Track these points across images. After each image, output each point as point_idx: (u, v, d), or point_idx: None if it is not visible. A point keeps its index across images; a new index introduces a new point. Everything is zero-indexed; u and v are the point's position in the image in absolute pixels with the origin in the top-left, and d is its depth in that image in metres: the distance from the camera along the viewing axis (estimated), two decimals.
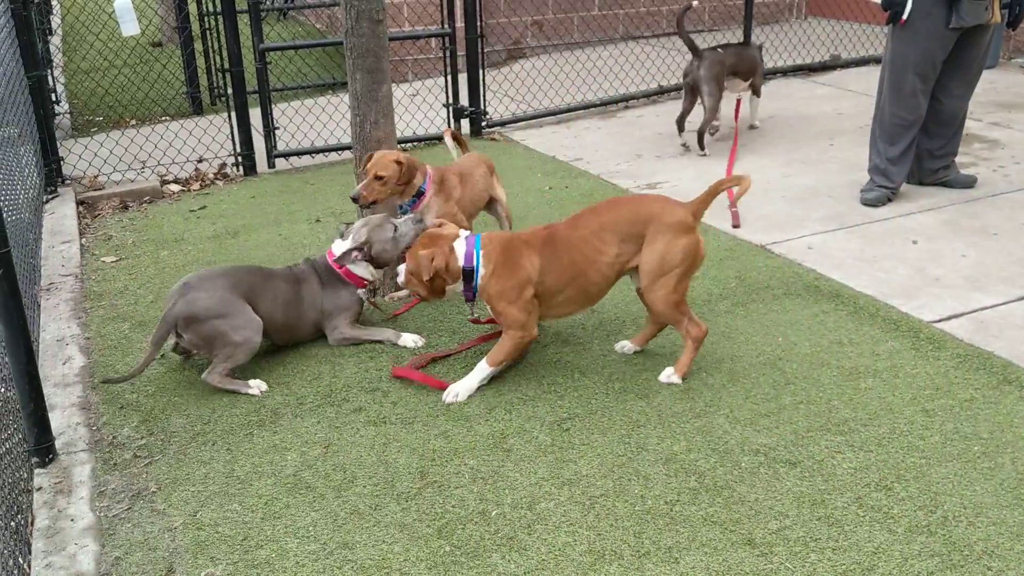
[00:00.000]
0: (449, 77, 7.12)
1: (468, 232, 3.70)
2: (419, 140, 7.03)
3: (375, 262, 4.00)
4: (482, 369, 3.60)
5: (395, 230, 3.96)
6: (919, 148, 5.49)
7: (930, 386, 3.55)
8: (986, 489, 2.97)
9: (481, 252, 3.58)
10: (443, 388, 3.60)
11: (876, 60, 8.97)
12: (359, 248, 3.95)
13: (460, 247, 3.59)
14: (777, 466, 3.12)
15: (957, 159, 5.63)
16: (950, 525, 2.81)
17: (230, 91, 6.40)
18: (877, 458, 3.14)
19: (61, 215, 5.65)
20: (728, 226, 5.16)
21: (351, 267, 3.98)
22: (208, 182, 6.36)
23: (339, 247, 4.01)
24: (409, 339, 3.99)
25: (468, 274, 3.57)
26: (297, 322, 3.95)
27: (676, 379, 3.61)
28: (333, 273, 4.00)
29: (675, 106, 7.87)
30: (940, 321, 4.06)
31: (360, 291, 4.03)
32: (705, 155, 6.42)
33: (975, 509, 2.88)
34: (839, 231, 5.05)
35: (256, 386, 3.67)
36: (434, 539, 2.84)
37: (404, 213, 4.21)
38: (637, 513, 2.91)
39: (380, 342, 4.01)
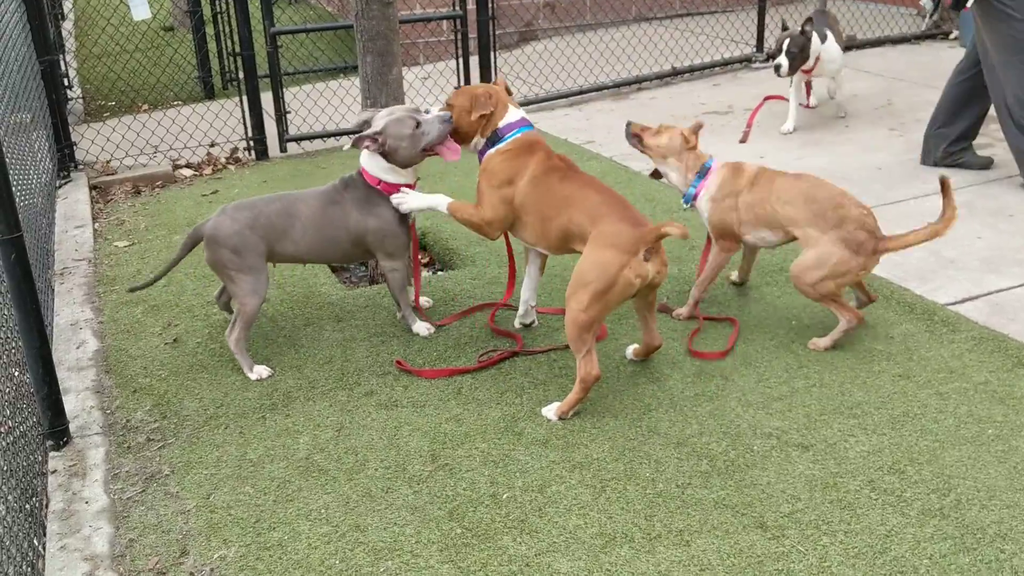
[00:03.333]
0: (461, 60, 7.09)
1: (524, 117, 3.67)
2: None
3: (389, 157, 3.67)
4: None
5: (417, 126, 3.62)
6: (938, 130, 5.43)
7: (944, 369, 3.53)
8: (1000, 472, 2.95)
9: (513, 137, 3.61)
10: (448, 375, 3.62)
11: (892, 41, 8.89)
12: (372, 138, 3.63)
13: (512, 114, 3.66)
14: (789, 449, 3.11)
15: (974, 140, 5.58)
16: (963, 508, 2.80)
17: (242, 75, 6.40)
18: (890, 441, 3.13)
19: (74, 200, 5.67)
20: None
21: (379, 173, 3.71)
22: (220, 167, 6.36)
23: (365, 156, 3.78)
24: (423, 327, 3.96)
25: (493, 142, 3.64)
26: (327, 245, 3.76)
27: (552, 415, 3.30)
28: (367, 188, 3.74)
29: (689, 87, 7.85)
30: (955, 304, 4.03)
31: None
32: None
33: (988, 492, 2.86)
34: None
35: (258, 372, 3.68)
36: (445, 522, 2.85)
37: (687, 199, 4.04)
38: (648, 496, 2.91)
39: (402, 314, 3.96)
